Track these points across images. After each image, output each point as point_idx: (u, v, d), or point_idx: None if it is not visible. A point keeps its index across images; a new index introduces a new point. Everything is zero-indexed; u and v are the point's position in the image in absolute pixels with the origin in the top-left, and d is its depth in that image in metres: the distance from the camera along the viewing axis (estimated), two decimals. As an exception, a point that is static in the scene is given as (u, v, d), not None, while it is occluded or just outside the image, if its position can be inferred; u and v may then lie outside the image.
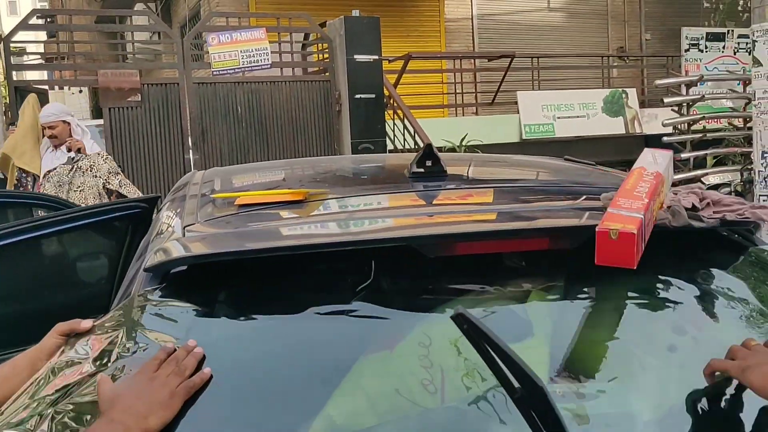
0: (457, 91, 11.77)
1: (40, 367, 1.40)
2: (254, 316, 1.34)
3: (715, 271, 1.57)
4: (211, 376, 1.18)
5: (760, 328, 1.49)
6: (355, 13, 7.64)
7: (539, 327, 1.35)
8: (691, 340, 1.46)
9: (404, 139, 8.91)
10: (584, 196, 1.63)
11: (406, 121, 8.94)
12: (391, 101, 8.88)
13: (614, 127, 11.19)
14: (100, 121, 12.43)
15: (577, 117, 11.08)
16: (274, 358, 1.29)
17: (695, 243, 1.58)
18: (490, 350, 0.90)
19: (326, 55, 8.02)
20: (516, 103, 10.93)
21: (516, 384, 0.91)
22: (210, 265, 1.36)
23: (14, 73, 6.71)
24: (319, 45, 8.24)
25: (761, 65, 4.92)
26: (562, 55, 12.59)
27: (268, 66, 7.11)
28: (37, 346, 1.44)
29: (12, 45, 6.75)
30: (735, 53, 11.71)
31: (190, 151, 6.98)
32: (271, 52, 7.19)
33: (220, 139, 7.20)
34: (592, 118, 11.14)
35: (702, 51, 11.90)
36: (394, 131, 8.94)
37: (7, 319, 2.41)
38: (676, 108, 8.82)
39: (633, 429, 1.25)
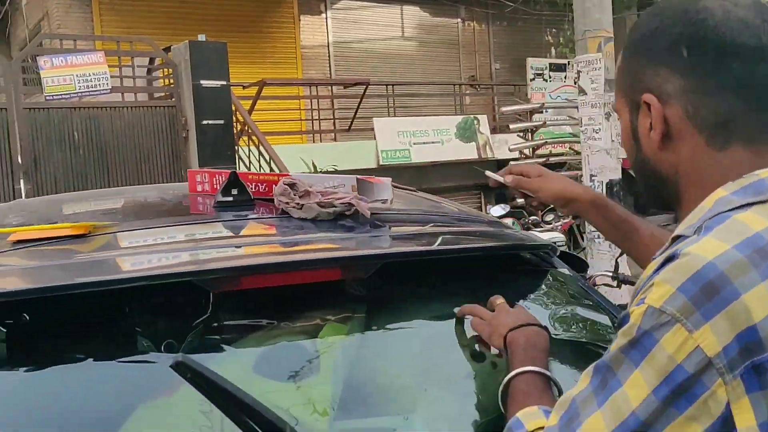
0: (315, 117, 11.77)
1: None
2: (23, 363, 1.21)
3: (513, 294, 1.57)
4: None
5: (563, 352, 1.51)
6: (201, 37, 7.45)
7: (328, 362, 1.30)
8: (489, 365, 1.45)
9: (260, 166, 8.76)
10: (387, 224, 1.60)
11: (261, 147, 8.80)
12: (246, 127, 8.72)
13: (467, 152, 11.54)
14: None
15: (432, 143, 11.34)
16: (43, 410, 1.16)
17: (496, 268, 1.58)
18: (221, 398, 0.82)
19: (171, 81, 7.75)
20: (373, 129, 11.05)
21: (259, 430, 0.84)
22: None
23: None
24: (165, 70, 7.96)
25: (586, 94, 5.20)
26: (416, 83, 12.89)
27: (108, 91, 6.77)
28: None
29: None
30: (575, 83, 12.45)
31: (21, 180, 6.51)
32: (113, 77, 6.86)
33: (55, 168, 6.76)
34: (446, 144, 11.44)
35: (546, 80, 12.55)
36: (249, 157, 8.78)
37: None
38: (522, 134, 9.22)
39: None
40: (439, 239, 1.58)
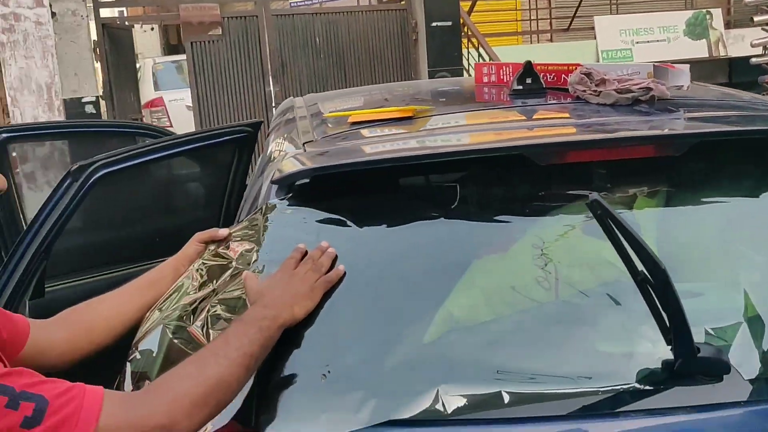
0: (532, 17, 11.51)
1: (182, 272, 1.56)
2: (375, 222, 1.45)
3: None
4: (345, 273, 1.30)
5: None
6: (432, -62, 7.54)
7: (646, 229, 1.43)
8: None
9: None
10: (686, 108, 1.68)
11: (480, 49, 8.84)
12: (466, 29, 8.78)
13: (697, 50, 10.78)
14: (175, 57, 12.75)
15: (657, 41, 10.72)
16: (395, 259, 1.40)
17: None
18: (619, 234, 0.98)
19: (402, -16, 7.97)
20: (593, 28, 10.63)
21: (640, 267, 1.00)
22: (329, 177, 1.46)
23: (100, 10, 6.94)
24: (395, -27, 8.18)
25: None
26: (641, -24, 12.11)
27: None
28: (179, 254, 1.60)
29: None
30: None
31: (271, 82, 7.13)
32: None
33: (299, 71, 7.31)
34: (672, 42, 10.76)
35: (795, -34, 11.24)
36: (468, 60, 8.87)
37: (124, 240, 2.62)
38: (767, 27, 8.42)
39: (739, 318, 1.33)
40: (745, 122, 1.63)
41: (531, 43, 11.66)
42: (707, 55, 10.80)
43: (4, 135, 2.67)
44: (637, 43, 10.66)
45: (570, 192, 1.45)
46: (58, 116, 5.91)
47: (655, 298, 1.03)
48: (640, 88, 1.72)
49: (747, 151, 1.54)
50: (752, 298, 1.40)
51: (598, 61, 10.41)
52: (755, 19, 8.34)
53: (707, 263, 1.46)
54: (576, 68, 1.85)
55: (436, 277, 1.37)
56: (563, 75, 1.94)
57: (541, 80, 1.94)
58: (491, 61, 8.90)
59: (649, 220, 1.48)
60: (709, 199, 1.53)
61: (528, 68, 1.94)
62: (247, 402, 1.14)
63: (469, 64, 8.94)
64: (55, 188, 1.82)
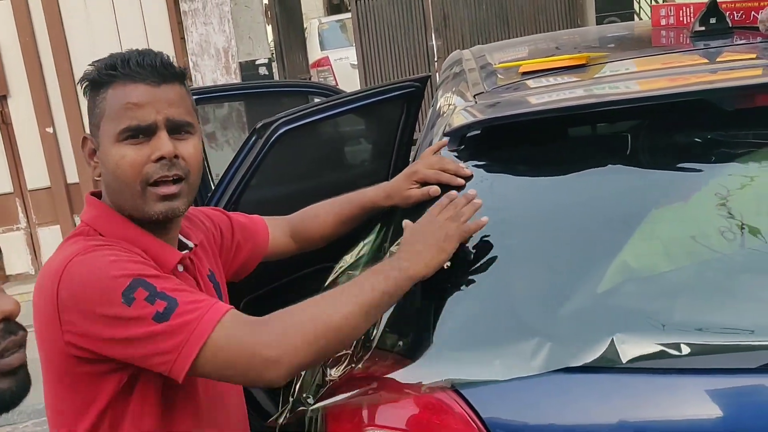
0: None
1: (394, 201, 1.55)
2: (548, 172, 1.44)
3: None
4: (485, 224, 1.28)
5: None
6: None
7: None
8: None
9: (650, 12, 8.33)
10: None
11: (653, -10, 8.30)
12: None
13: None
14: (339, 17, 13.01)
15: None
16: (569, 209, 1.39)
17: None
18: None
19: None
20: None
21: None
22: (500, 128, 1.47)
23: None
24: None
25: None
26: None
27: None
28: (392, 183, 1.57)
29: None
30: None
31: (433, 36, 7.14)
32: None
33: (461, 24, 7.26)
34: None
35: None
36: (640, 3, 8.38)
37: (302, 194, 2.76)
38: None
39: None
40: None
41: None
42: None
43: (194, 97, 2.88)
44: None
45: (756, 138, 1.37)
46: (235, 78, 6.26)
47: None
48: None
49: None
50: None
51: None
52: None
53: None
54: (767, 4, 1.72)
55: (613, 226, 1.35)
56: (752, 12, 1.81)
57: (727, 19, 1.82)
58: (671, 2, 8.36)
59: None
60: None
61: (712, 6, 1.82)
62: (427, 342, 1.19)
63: (640, 7, 8.45)
64: (242, 145, 1.96)
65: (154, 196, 1.25)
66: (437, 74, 4.33)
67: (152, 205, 1.26)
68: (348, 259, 1.57)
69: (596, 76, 1.59)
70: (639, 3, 8.40)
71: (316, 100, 3.77)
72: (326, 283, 1.62)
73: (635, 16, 7.76)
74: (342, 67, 10.62)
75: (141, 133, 1.24)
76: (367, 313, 1.18)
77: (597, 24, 7.08)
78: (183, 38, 6.38)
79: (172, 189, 1.26)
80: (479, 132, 1.51)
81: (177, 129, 1.27)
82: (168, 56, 1.30)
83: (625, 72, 1.57)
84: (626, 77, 1.53)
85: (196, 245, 1.41)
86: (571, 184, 1.41)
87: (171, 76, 1.27)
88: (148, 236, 1.29)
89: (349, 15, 7.61)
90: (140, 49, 1.29)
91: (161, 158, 1.24)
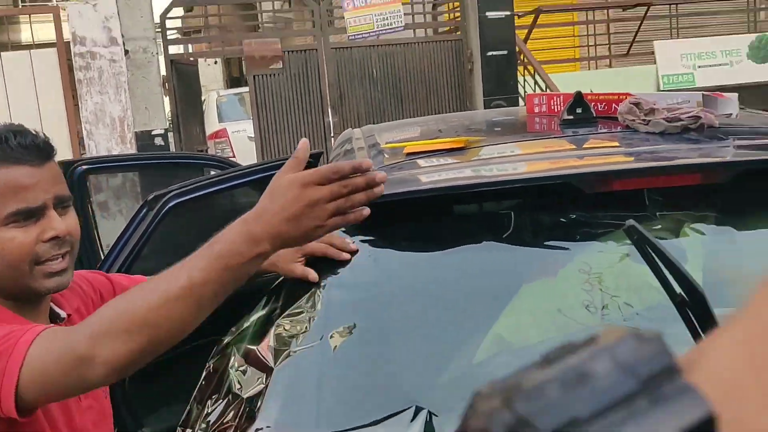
0: (590, 43, 11.49)
1: None
2: (430, 248, 1.53)
3: None
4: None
5: None
6: (487, -31, 7.66)
7: (692, 256, 1.47)
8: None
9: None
10: (736, 136, 1.71)
11: (537, 76, 8.88)
12: (522, 57, 8.83)
13: (761, 74, 10.58)
14: (237, 90, 13.14)
15: (720, 65, 10.56)
16: (447, 284, 1.48)
17: None
18: (656, 258, 1.04)
19: (458, 14, 8.09)
20: (653, 53, 10.55)
21: (678, 289, 1.05)
22: (385, 205, 1.54)
23: (169, 47, 7.27)
24: (450, 4, 8.31)
25: None
26: (702, 0, 11.97)
27: (402, 28, 7.29)
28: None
29: (167, 20, 7.29)
30: None
31: (329, 113, 7.32)
32: (405, 14, 7.36)
33: (357, 102, 7.49)
34: (735, 66, 10.58)
35: None
36: (524, 88, 8.91)
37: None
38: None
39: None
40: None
41: (589, 69, 11.62)
42: (772, 78, 10.59)
43: (85, 167, 2.85)
44: (699, 67, 10.52)
45: (616, 219, 1.51)
46: (131, 148, 6.19)
47: (695, 322, 1.07)
48: (689, 117, 1.76)
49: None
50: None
51: (659, 86, 10.30)
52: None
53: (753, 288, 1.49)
54: (626, 98, 1.91)
55: (487, 300, 1.44)
56: (613, 104, 1.99)
57: (592, 110, 2.00)
58: (544, 91, 8.94)
59: (696, 246, 1.52)
60: (756, 226, 1.56)
61: (578, 98, 2.00)
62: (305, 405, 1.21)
63: (525, 92, 8.98)
64: (133, 216, 1.96)
65: (42, 274, 1.25)
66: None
67: (41, 282, 1.26)
68: (235, 330, 1.58)
69: (474, 158, 1.71)
70: (524, 88, 8.93)
71: (212, 172, 3.79)
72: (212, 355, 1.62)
73: (521, 101, 8.25)
74: (239, 139, 10.66)
75: (30, 215, 1.24)
76: (197, 298, 1.06)
77: (485, 106, 7.47)
78: (77, 105, 6.28)
79: (62, 264, 1.27)
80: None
81: (61, 204, 1.28)
82: (44, 134, 1.31)
83: (500, 156, 1.70)
84: (501, 160, 1.66)
85: (69, 315, 1.40)
86: (450, 259, 1.50)
87: (51, 154, 1.29)
88: (9, 314, 1.26)
89: (247, 88, 7.71)
90: (12, 125, 1.30)
91: (54, 238, 1.25)
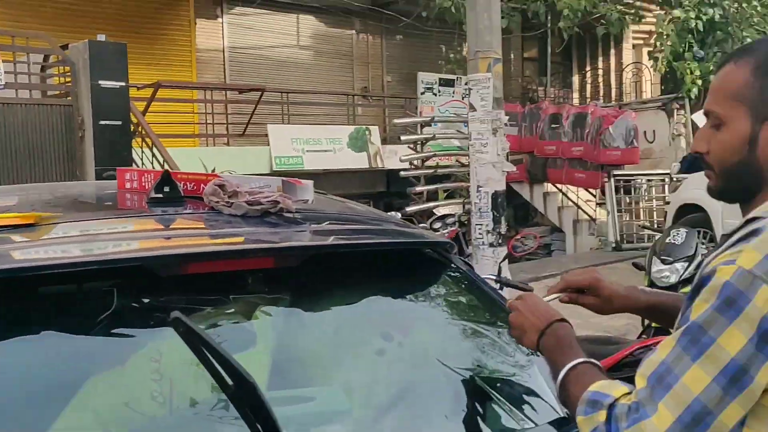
0: (209, 121, 11.74)
1: None
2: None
3: (418, 286, 1.83)
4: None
5: (457, 333, 1.77)
6: (101, 37, 7.37)
7: (263, 338, 1.50)
8: (397, 345, 1.70)
9: (153, 168, 8.70)
10: (311, 221, 1.82)
11: (155, 149, 8.74)
12: (140, 129, 8.65)
13: (359, 161, 11.83)
14: None
15: (325, 151, 11.56)
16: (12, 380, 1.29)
17: (403, 263, 1.83)
18: (205, 351, 1.01)
19: (68, 79, 7.63)
20: (267, 135, 11.15)
21: (230, 381, 1.04)
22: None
23: None
24: (61, 68, 7.82)
25: (475, 110, 5.58)
26: (310, 91, 13.09)
27: (2, 86, 6.61)
28: None
29: None
30: (463, 98, 12.97)
31: None
32: (6, 72, 6.70)
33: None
34: (338, 153, 11.69)
35: (435, 95, 13.03)
36: (142, 159, 8.70)
37: None
38: (412, 145, 9.61)
39: (345, 424, 1.44)
40: (358, 235, 1.82)
41: (208, 145, 11.84)
42: (368, 166, 11.90)
43: None
44: (308, 151, 11.39)
45: (192, 303, 1.48)
46: None
47: (249, 412, 1.07)
48: (268, 201, 1.84)
49: (358, 261, 1.72)
50: (361, 400, 1.54)
51: (272, 167, 10.89)
52: (402, 138, 9.49)
53: (323, 368, 1.58)
54: (213, 179, 1.92)
55: (44, 399, 1.29)
56: (202, 185, 1.99)
57: (180, 189, 1.97)
58: (162, 164, 8.84)
59: (268, 329, 1.56)
60: (325, 307, 1.66)
61: (166, 177, 1.96)
62: None
63: (142, 163, 8.77)
64: None
65: None
66: None
67: None
68: None
69: (43, 237, 1.55)
70: (142, 160, 8.72)
71: None
72: None
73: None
74: None
75: None
76: None
77: (96, 176, 7.09)
78: None
79: None
80: None
81: None
82: None
83: (67, 235, 1.57)
84: (65, 240, 1.53)
85: None
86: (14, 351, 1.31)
87: None
88: None
89: None
90: None
91: None
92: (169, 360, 1.38)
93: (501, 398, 1.55)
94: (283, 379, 1.50)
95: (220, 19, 12.94)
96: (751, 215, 1.12)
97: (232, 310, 1.52)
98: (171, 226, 1.77)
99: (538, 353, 1.31)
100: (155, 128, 9.61)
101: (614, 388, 1.08)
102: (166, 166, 8.54)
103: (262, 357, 1.48)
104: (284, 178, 1.97)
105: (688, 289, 1.13)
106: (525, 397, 1.58)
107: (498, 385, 1.60)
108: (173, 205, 1.91)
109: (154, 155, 8.89)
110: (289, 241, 1.68)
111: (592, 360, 1.20)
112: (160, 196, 1.94)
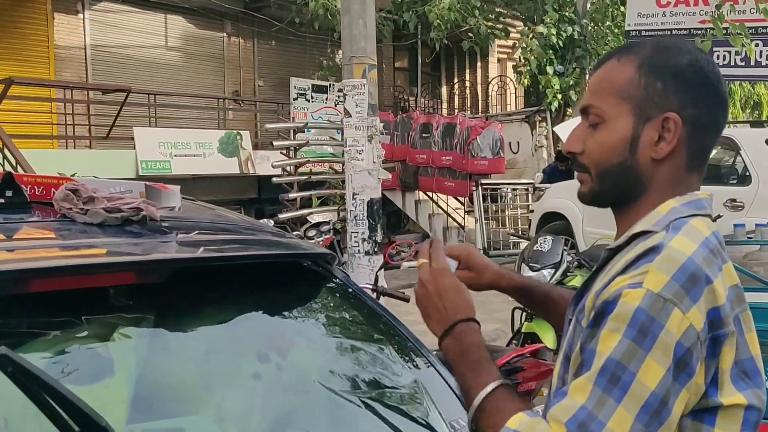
0: (69, 122, 11.03)
1: None
2: None
3: (297, 301, 1.70)
4: None
5: (340, 352, 1.66)
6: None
7: (122, 365, 1.32)
8: (275, 367, 1.56)
9: (4, 170, 8.04)
10: (177, 230, 1.65)
11: (6, 150, 8.09)
12: (-13, 128, 7.98)
13: (229, 167, 11.49)
14: None
15: (194, 156, 11.15)
16: None
17: (280, 274, 1.69)
18: (43, 393, 0.84)
19: None
20: (132, 138, 10.62)
21: (76, 428, 0.86)
22: None
23: None
24: None
25: (351, 116, 5.50)
26: (179, 93, 12.57)
27: None
28: None
29: None
30: (336, 105, 12.91)
31: None
32: None
33: None
34: (208, 158, 11.30)
35: (308, 101, 12.88)
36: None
37: None
38: (284, 151, 9.43)
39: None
40: (230, 246, 1.66)
41: (68, 147, 11.13)
42: (239, 172, 11.58)
43: None
44: (176, 155, 10.93)
45: (34, 327, 1.28)
46: None
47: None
48: (130, 208, 1.65)
49: (231, 275, 1.57)
50: (236, 430, 1.38)
51: (138, 171, 10.36)
52: (274, 143, 9.29)
53: (192, 396, 1.41)
54: (65, 182, 1.71)
55: None
56: (53, 189, 1.77)
57: (25, 194, 1.74)
58: (14, 167, 8.19)
59: (129, 353, 1.38)
60: (194, 327, 1.50)
61: (8, 179, 1.73)
62: None
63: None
64: None
65: None
66: None
67: None
68: None
69: None
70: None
71: None
72: None
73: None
74: None
75: None
76: None
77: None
78: None
79: None
80: None
81: None
82: None
83: None
84: None
85: None
86: None
87: None
88: None
89: None
90: None
91: None
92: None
93: (389, 419, 1.45)
94: (147, 410, 1.33)
95: (81, 15, 12.21)
96: (638, 228, 1.05)
97: (85, 333, 1.33)
98: (14, 237, 1.54)
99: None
100: (8, 128, 8.91)
101: (535, 428, 0.98)
102: (20, 169, 7.92)
103: (120, 387, 1.30)
104: (148, 183, 1.78)
105: None
106: (415, 414, 1.49)
107: (387, 403, 1.49)
108: (17, 212, 1.68)
109: (5, 157, 8.24)
110: (153, 254, 1.50)
111: (507, 381, 1.09)
112: (2, 201, 1.70)
